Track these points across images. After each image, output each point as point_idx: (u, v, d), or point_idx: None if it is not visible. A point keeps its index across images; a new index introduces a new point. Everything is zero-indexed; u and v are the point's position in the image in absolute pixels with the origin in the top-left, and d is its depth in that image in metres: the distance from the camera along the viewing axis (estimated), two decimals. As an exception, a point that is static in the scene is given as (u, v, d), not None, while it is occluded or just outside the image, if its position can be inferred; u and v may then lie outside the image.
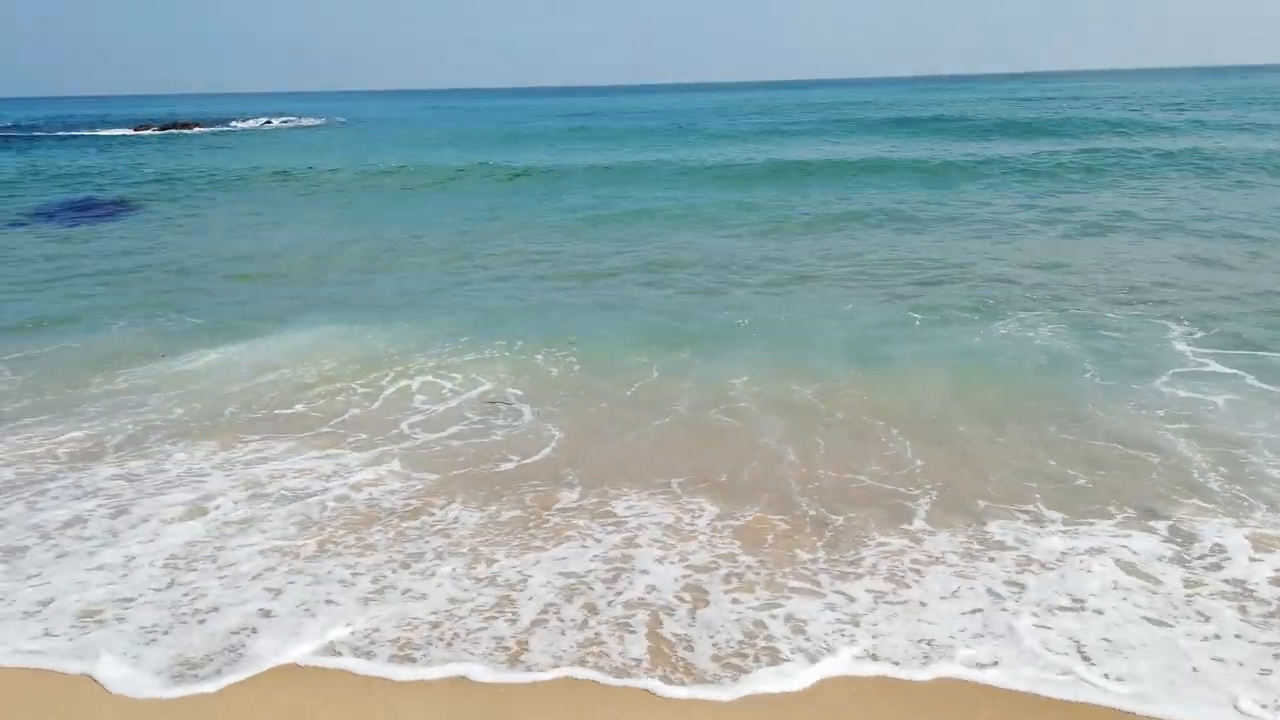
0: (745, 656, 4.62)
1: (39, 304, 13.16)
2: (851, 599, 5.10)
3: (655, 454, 7.28)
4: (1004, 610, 4.93)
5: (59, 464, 7.27)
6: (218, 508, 6.39)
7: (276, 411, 8.32)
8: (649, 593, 5.21)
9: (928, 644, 4.67)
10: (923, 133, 38.26)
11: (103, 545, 5.88)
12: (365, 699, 4.39)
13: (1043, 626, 4.78)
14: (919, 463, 6.91)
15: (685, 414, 8.07)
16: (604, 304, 12.19)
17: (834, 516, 6.04)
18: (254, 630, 4.92)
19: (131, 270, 15.44)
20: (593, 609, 5.06)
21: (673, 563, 5.52)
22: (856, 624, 4.86)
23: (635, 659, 4.62)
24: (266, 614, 5.08)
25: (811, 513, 6.12)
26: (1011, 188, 22.45)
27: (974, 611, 4.94)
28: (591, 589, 5.27)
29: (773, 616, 4.95)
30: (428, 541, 5.87)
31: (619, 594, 5.21)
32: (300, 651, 4.70)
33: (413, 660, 4.65)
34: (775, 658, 4.61)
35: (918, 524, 5.92)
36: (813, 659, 4.57)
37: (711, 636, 4.79)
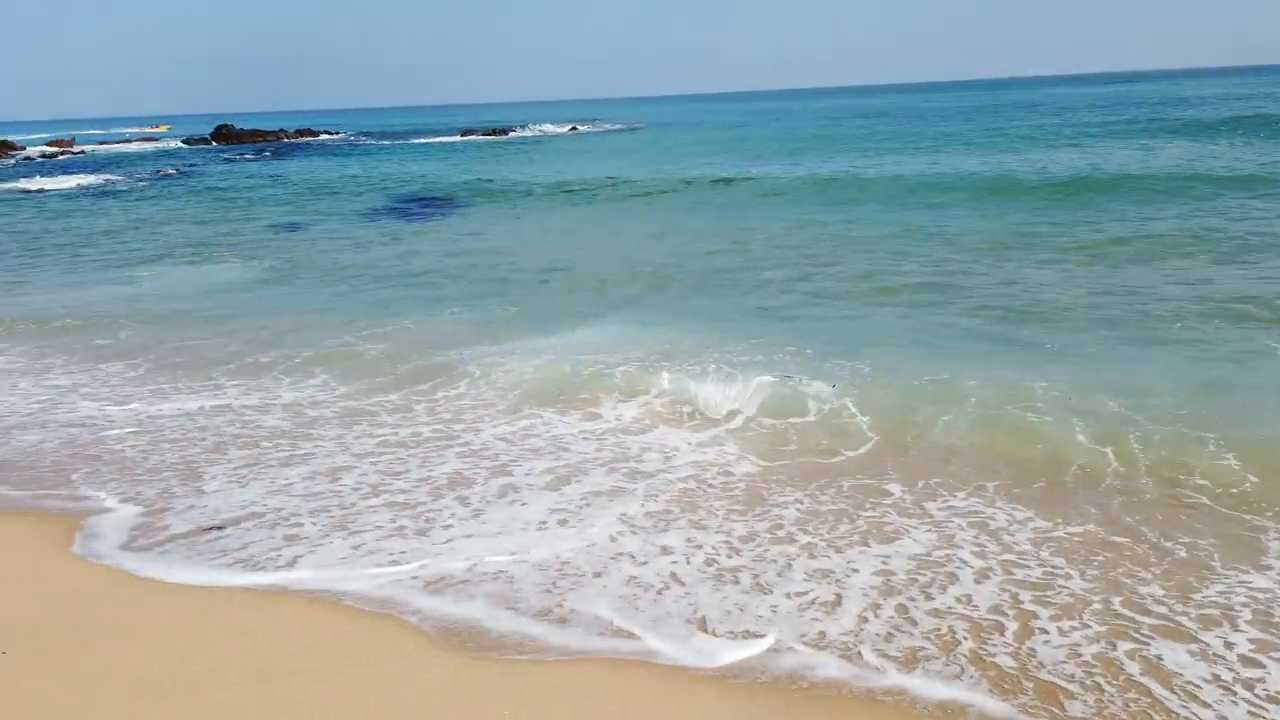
0: (1126, 708, 3.97)
1: (379, 289, 14.40)
2: (1236, 651, 4.30)
3: (971, 454, 6.86)
4: None
5: (458, 421, 8.06)
6: (578, 479, 6.76)
7: (605, 389, 8.67)
8: (967, 604, 4.82)
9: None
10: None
11: (480, 509, 6.29)
12: (694, 692, 4.30)
13: None
14: (1251, 478, 6.06)
15: (995, 414, 7.56)
16: (901, 315, 11.29)
17: (1168, 542, 5.33)
18: (623, 608, 5.00)
19: (457, 264, 16.42)
20: (912, 618, 4.73)
21: (995, 574, 5.07)
22: (1251, 688, 4.09)
23: (972, 679, 4.24)
24: (632, 583, 5.19)
25: (1150, 537, 5.45)
26: None
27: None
28: (910, 593, 4.95)
29: (1117, 651, 4.36)
30: (778, 529, 5.80)
31: (937, 600, 4.87)
32: (643, 637, 4.74)
33: (746, 640, 4.63)
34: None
35: (1273, 559, 5.12)
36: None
37: (1053, 667, 4.30)
